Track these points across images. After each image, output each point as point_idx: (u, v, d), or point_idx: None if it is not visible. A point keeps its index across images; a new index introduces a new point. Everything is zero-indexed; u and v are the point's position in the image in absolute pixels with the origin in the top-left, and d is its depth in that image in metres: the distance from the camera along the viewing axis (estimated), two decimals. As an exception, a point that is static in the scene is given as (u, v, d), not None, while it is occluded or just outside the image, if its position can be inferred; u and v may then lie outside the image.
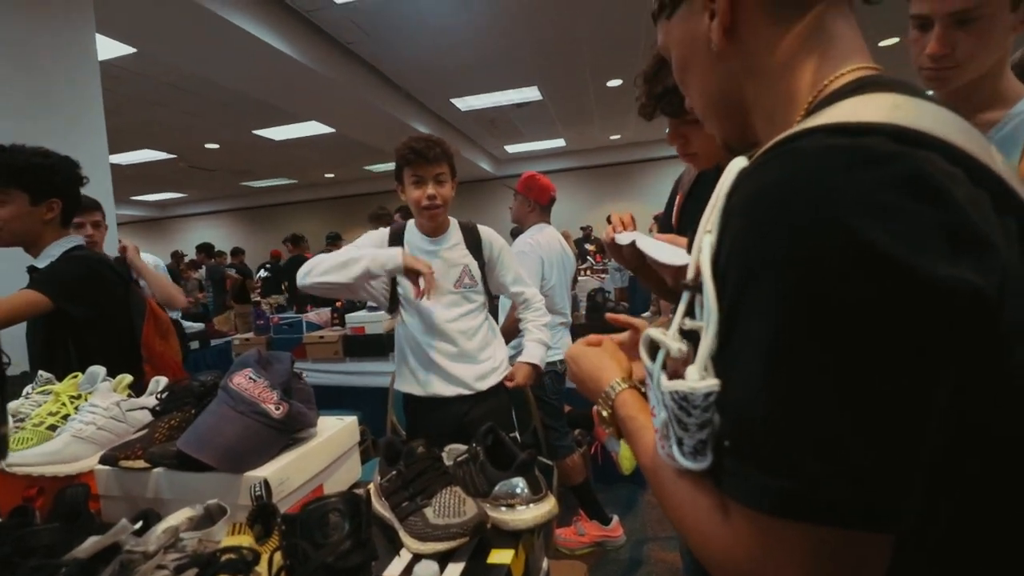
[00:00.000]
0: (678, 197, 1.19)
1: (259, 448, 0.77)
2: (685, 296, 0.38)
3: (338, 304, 3.39)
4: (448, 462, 0.86)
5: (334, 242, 6.22)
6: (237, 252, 7.25)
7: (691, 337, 0.37)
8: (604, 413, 0.54)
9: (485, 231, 1.63)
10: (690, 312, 0.38)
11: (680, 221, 1.16)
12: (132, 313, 1.51)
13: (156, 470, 0.79)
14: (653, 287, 0.97)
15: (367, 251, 1.43)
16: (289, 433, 0.82)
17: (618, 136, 9.13)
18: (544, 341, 1.67)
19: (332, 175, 10.77)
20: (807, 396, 0.30)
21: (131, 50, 3.67)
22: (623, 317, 0.70)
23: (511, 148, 9.61)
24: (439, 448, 0.88)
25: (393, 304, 1.58)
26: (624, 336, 0.68)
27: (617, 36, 4.66)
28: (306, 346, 3.12)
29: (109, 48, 3.62)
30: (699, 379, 0.34)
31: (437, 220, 1.52)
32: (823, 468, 0.29)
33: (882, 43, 5.06)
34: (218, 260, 7.33)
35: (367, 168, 10.09)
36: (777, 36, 0.43)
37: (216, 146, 7.28)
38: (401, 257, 1.37)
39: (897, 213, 0.29)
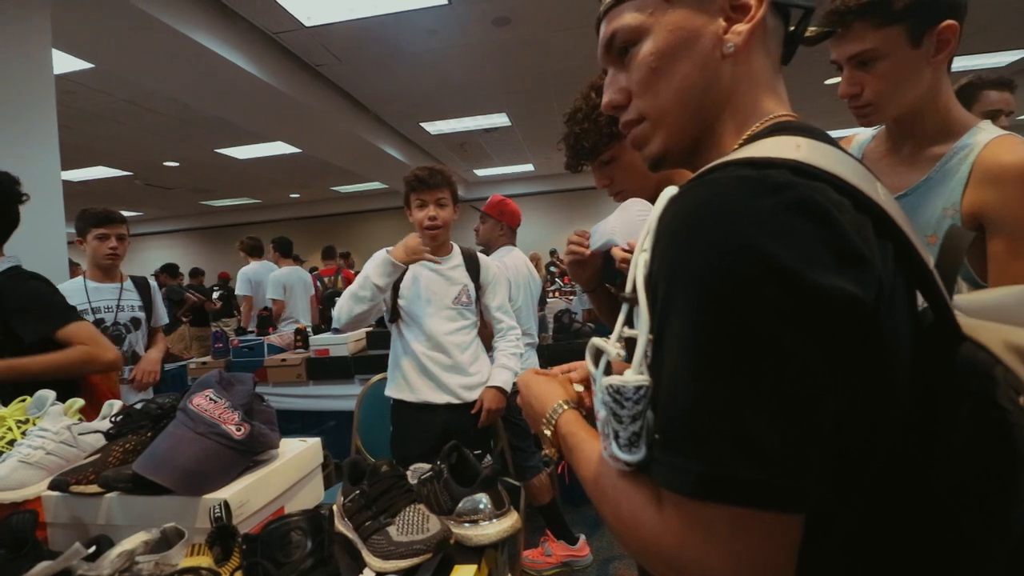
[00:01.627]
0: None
1: (219, 470, 0.76)
2: (624, 308, 0.43)
3: (300, 326, 3.33)
4: (413, 481, 0.87)
5: (301, 261, 6.13)
6: (196, 273, 7.03)
7: (631, 345, 0.41)
8: (547, 432, 0.57)
9: (484, 260, 1.81)
10: (629, 322, 0.43)
11: None
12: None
13: (109, 495, 0.77)
14: (604, 310, 1.01)
15: (367, 270, 1.57)
16: (250, 455, 0.81)
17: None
18: (511, 367, 1.77)
19: (298, 195, 10.62)
20: (720, 388, 0.34)
21: (88, 65, 3.58)
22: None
23: (480, 172, 9.72)
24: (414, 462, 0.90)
25: (394, 315, 1.71)
26: (576, 370, 0.69)
27: (584, 69, 4.83)
28: (267, 369, 3.04)
29: (65, 62, 3.53)
30: (631, 375, 0.39)
31: (438, 240, 1.68)
32: (735, 453, 0.33)
33: (828, 81, 5.41)
34: (176, 281, 7.08)
35: (334, 189, 10.00)
36: (762, 63, 0.49)
37: (176, 164, 7.09)
38: (387, 254, 1.54)
39: (791, 232, 0.34)
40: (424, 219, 1.63)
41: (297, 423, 2.97)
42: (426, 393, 1.65)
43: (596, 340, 0.45)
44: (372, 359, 2.91)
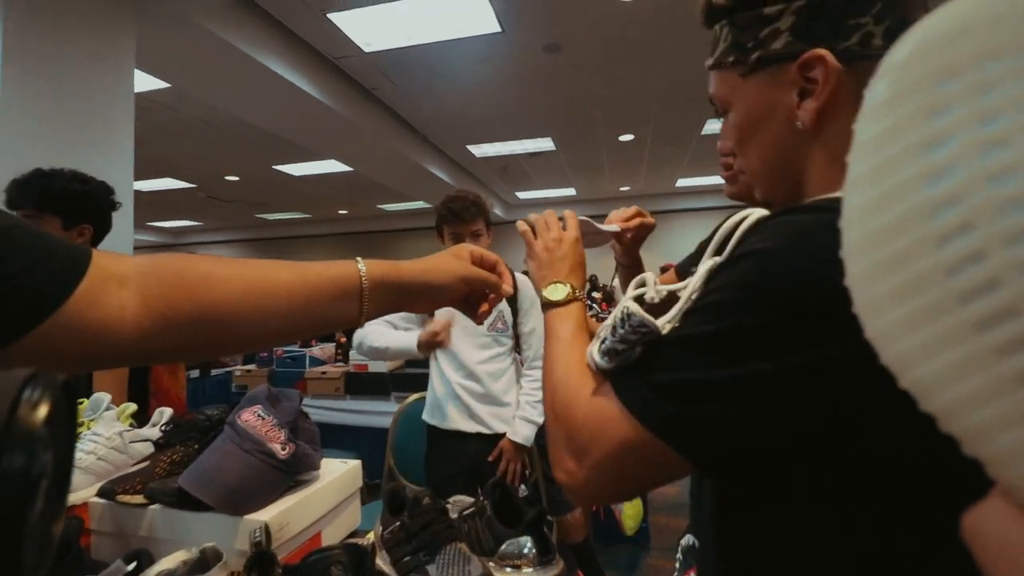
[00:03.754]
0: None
1: (262, 489, 0.75)
2: (689, 278, 0.46)
3: (341, 340, 3.38)
4: (453, 515, 0.83)
5: None
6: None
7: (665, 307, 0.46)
8: (558, 295, 0.62)
9: (523, 281, 1.73)
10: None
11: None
12: None
13: (153, 507, 0.77)
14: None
15: (391, 339, 1.62)
16: (293, 475, 0.80)
17: (627, 188, 9.30)
18: (533, 420, 1.68)
19: (345, 211, 10.97)
20: (699, 359, 0.39)
21: (165, 85, 3.83)
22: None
23: (522, 194, 9.79)
24: (449, 488, 0.87)
25: None
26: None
27: (629, 94, 4.83)
28: (308, 381, 3.09)
29: (144, 81, 3.78)
30: (653, 316, 0.43)
31: None
32: (682, 398, 0.39)
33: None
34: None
35: (380, 207, 10.28)
36: (848, 126, 0.46)
37: (236, 178, 7.46)
38: (416, 346, 1.57)
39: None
40: None
41: (334, 436, 2.99)
42: (457, 421, 1.63)
43: (647, 275, 0.49)
44: (410, 377, 2.92)
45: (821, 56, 0.44)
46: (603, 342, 0.45)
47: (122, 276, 0.40)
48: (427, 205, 9.48)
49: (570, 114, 5.34)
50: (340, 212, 11.01)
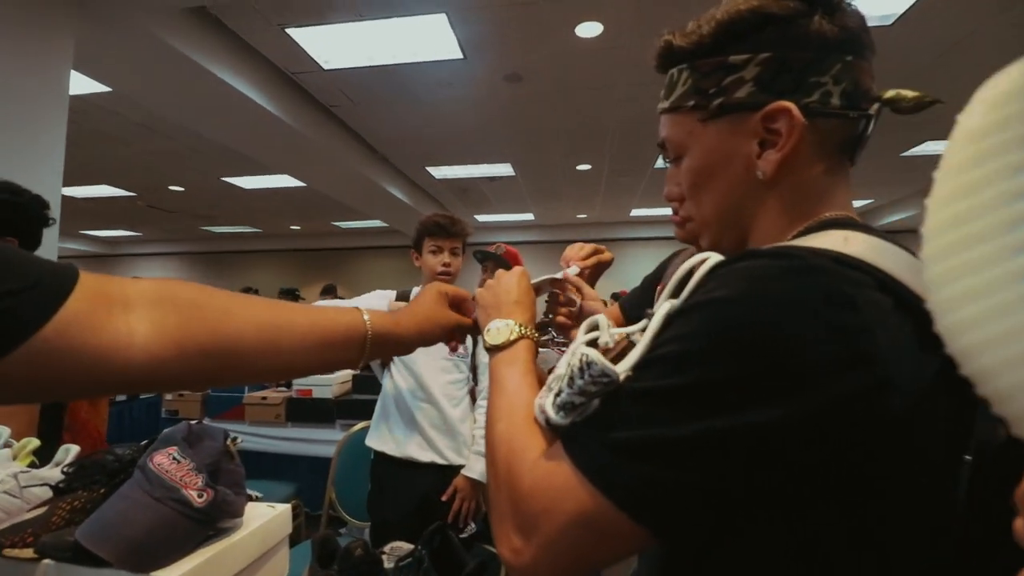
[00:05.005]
0: (660, 286, 1.21)
1: (172, 542, 0.68)
2: (643, 321, 0.44)
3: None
4: (389, 565, 0.79)
5: (286, 295, 6.08)
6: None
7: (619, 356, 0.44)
8: (501, 338, 0.57)
9: None
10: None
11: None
12: None
13: (46, 562, 0.68)
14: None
15: None
16: (211, 524, 0.73)
17: (585, 215, 9.51)
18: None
19: (298, 227, 10.66)
20: (654, 407, 0.38)
21: (105, 88, 3.63)
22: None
23: (481, 218, 9.83)
24: (396, 529, 0.82)
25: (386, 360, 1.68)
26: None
27: (586, 126, 4.97)
28: (245, 407, 2.92)
29: (83, 84, 3.57)
30: (613, 364, 0.40)
31: None
32: (639, 463, 0.37)
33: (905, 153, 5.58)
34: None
35: (335, 223, 10.06)
36: (808, 176, 0.47)
37: (181, 189, 7.12)
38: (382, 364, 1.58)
39: (805, 314, 0.35)
40: (438, 265, 1.63)
41: (271, 465, 2.83)
42: (411, 448, 1.57)
43: (599, 317, 0.46)
44: (356, 404, 2.81)
45: (787, 108, 0.45)
46: (558, 395, 0.42)
47: (126, 300, 0.39)
48: (383, 224, 9.36)
49: (529, 142, 5.43)
50: (292, 227, 10.70)
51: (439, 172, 6.66)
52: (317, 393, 2.86)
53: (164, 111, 3.99)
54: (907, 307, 0.36)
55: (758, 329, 0.35)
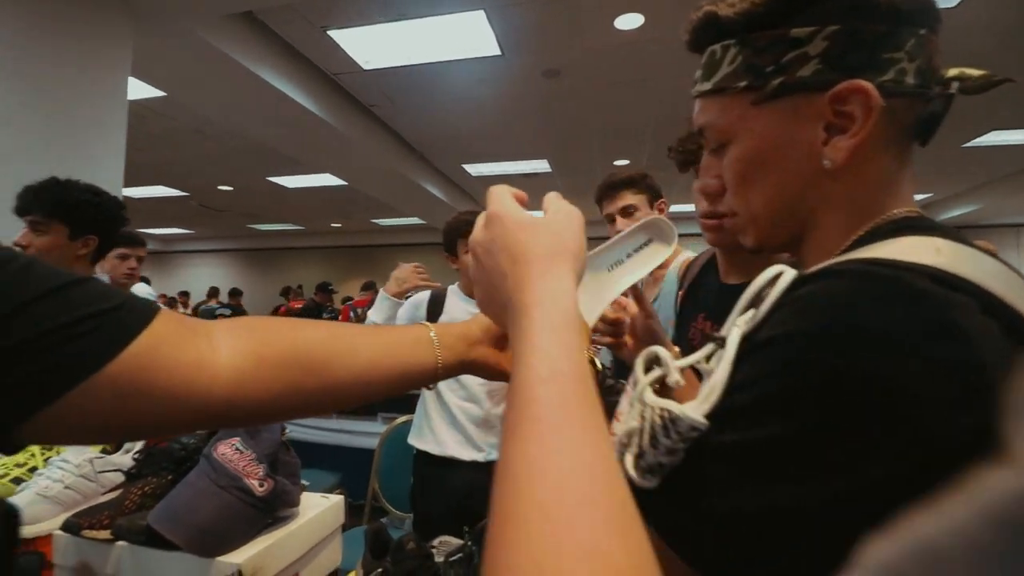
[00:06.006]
0: (680, 292, 1.18)
1: (236, 529, 0.71)
2: (708, 346, 0.38)
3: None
4: (439, 558, 0.80)
5: (319, 292, 6.27)
6: (235, 293, 7.22)
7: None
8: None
9: None
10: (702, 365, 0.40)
11: (681, 312, 1.14)
12: None
13: (121, 543, 0.73)
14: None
15: (372, 315, 1.62)
16: (270, 513, 0.76)
17: (621, 211, 9.41)
18: None
19: (339, 225, 10.94)
20: (740, 474, 0.32)
21: (160, 93, 3.82)
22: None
23: (516, 214, 9.85)
24: (438, 523, 0.83)
25: None
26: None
27: (626, 121, 4.89)
28: (292, 398, 3.02)
29: (139, 89, 3.76)
30: (696, 412, 0.34)
31: None
32: (759, 535, 0.31)
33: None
34: (216, 301, 7.33)
35: (374, 221, 10.26)
36: (878, 165, 0.43)
37: (229, 188, 7.42)
38: (382, 290, 1.59)
39: (921, 360, 0.29)
40: None
41: (316, 455, 2.91)
42: (452, 447, 1.57)
43: (659, 350, 0.40)
44: (398, 398, 2.86)
45: (863, 88, 0.39)
46: (640, 456, 0.36)
47: (204, 328, 0.40)
48: (421, 221, 9.49)
49: (566, 138, 5.39)
50: (333, 225, 10.98)
51: (475, 169, 6.69)
52: (359, 387, 2.93)
53: (213, 114, 4.16)
54: (1014, 331, 0.31)
55: (857, 372, 0.30)
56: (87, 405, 0.32)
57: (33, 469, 0.85)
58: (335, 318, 6.21)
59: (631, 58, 3.64)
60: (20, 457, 0.86)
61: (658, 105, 4.44)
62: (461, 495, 1.53)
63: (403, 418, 2.16)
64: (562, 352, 0.31)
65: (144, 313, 0.37)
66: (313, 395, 0.43)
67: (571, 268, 0.38)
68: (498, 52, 3.56)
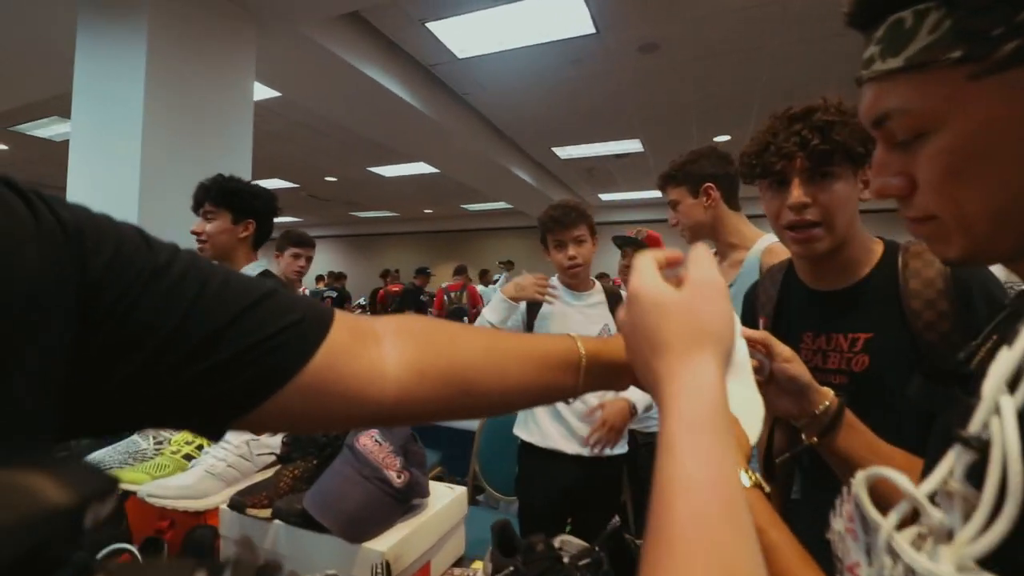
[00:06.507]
0: (761, 320, 0.99)
1: (379, 518, 0.75)
2: (958, 450, 0.29)
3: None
4: (564, 558, 0.79)
5: (419, 276, 6.58)
6: (339, 276, 7.77)
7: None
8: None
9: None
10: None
11: (777, 323, 0.98)
12: None
13: (277, 522, 0.80)
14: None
15: (484, 310, 1.62)
16: (406, 503, 0.80)
17: (718, 191, 8.85)
18: (646, 400, 1.57)
19: (431, 211, 11.35)
20: None
21: (276, 94, 4.13)
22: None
23: (605, 196, 9.61)
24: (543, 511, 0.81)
25: None
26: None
27: (729, 94, 4.55)
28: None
29: (258, 91, 4.10)
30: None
31: (579, 277, 1.65)
32: None
33: None
34: (324, 283, 7.96)
35: (464, 206, 10.52)
36: None
37: (334, 179, 7.94)
38: (500, 292, 1.57)
39: None
40: (565, 260, 1.58)
41: (420, 432, 3.06)
42: (556, 440, 1.56)
43: (886, 472, 0.32)
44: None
45: None
46: None
47: (375, 334, 0.42)
48: (508, 206, 9.58)
49: (662, 115, 5.13)
50: (425, 211, 11.41)
51: (564, 152, 6.60)
52: (458, 371, 3.03)
53: (322, 109, 4.43)
54: None
55: None
56: (280, 409, 0.36)
57: (200, 447, 0.96)
58: (431, 300, 6.51)
59: (735, 26, 3.36)
60: (189, 435, 0.98)
61: (764, 74, 4.08)
62: (565, 488, 1.53)
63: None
64: (699, 458, 0.29)
65: (322, 324, 0.39)
66: (463, 410, 0.47)
67: (713, 355, 0.34)
68: (592, 30, 3.44)
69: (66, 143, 2.47)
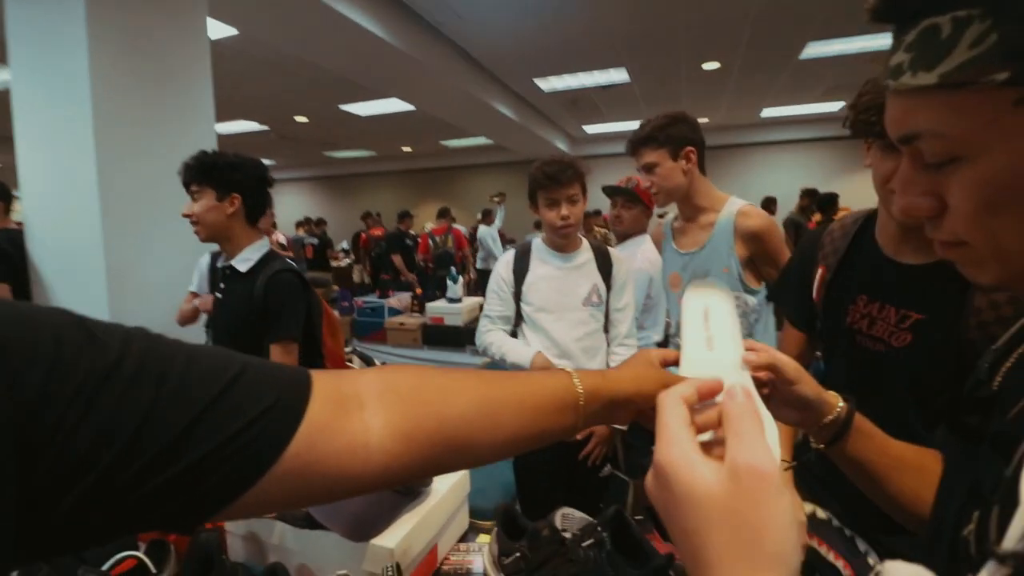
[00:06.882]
0: (820, 269, 1.00)
1: (385, 515, 0.75)
2: (991, 568, 0.27)
3: (417, 291, 3.45)
4: (566, 534, 0.82)
5: (403, 220, 6.44)
6: (319, 223, 7.58)
7: None
8: None
9: (616, 256, 1.66)
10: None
11: (828, 295, 0.98)
12: (314, 319, 1.59)
13: (281, 523, 0.80)
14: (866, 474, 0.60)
15: (508, 349, 1.58)
16: (412, 497, 0.80)
17: (706, 119, 8.59)
18: None
19: (409, 149, 10.94)
20: None
21: (233, 31, 3.80)
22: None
23: (589, 128, 9.31)
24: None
25: (517, 319, 1.65)
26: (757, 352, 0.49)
27: (719, 19, 4.30)
28: (387, 331, 3.20)
29: (214, 29, 3.77)
30: None
31: (570, 238, 1.60)
32: None
33: None
34: (304, 230, 7.75)
35: (443, 143, 10.15)
36: None
37: (305, 119, 7.54)
38: (529, 365, 1.52)
39: None
40: (557, 220, 1.52)
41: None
42: None
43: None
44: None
45: None
46: None
47: (359, 397, 0.39)
48: (489, 141, 9.26)
49: (649, 42, 4.87)
50: (404, 149, 11.00)
51: (547, 84, 6.29)
52: (449, 321, 3.04)
53: (285, 47, 4.12)
54: None
55: None
56: (256, 499, 0.33)
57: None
58: (416, 243, 6.41)
59: (733, -58, 3.12)
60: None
61: (760, -3, 3.85)
62: (557, 444, 1.57)
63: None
64: None
65: (299, 402, 0.36)
66: (453, 466, 0.45)
67: None
68: (577, -50, 3.17)
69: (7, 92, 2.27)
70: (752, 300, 1.53)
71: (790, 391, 0.51)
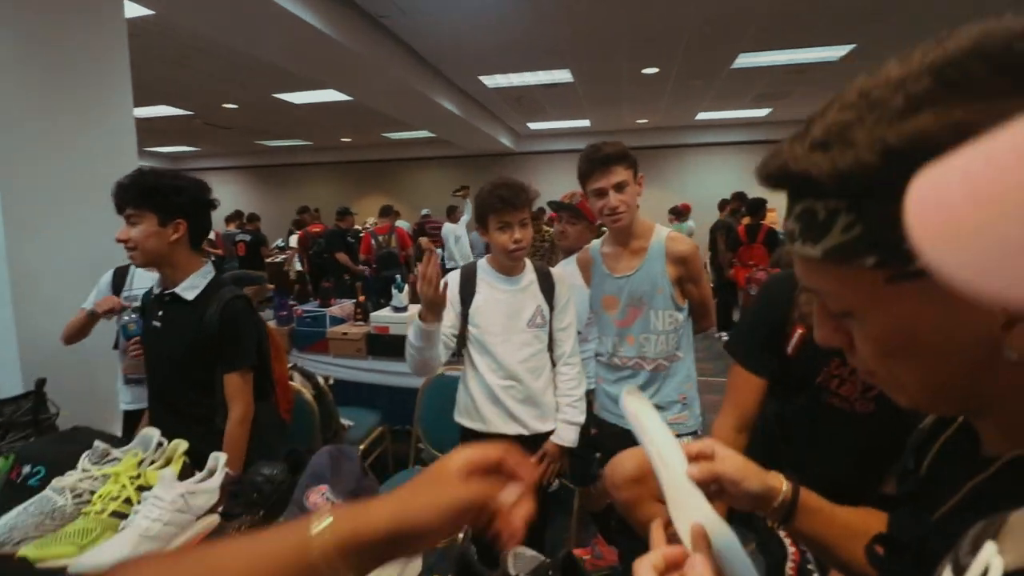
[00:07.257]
0: (799, 329, 1.00)
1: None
2: None
3: (360, 298, 3.35)
4: (514, 573, 0.84)
5: (343, 218, 6.15)
6: (252, 219, 7.17)
7: None
8: None
9: (558, 276, 1.68)
10: None
11: (802, 352, 0.99)
12: (263, 343, 1.53)
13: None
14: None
15: (409, 335, 1.51)
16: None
17: (645, 120, 8.87)
18: (575, 421, 1.65)
19: (349, 139, 10.56)
20: None
21: (149, 12, 3.52)
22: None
23: (534, 125, 9.36)
24: None
25: (462, 340, 1.63)
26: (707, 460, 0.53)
27: (659, 27, 4.44)
28: (329, 341, 3.10)
29: (128, 9, 3.46)
30: None
31: (520, 261, 1.61)
32: None
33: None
34: (236, 225, 7.29)
35: (385, 135, 9.88)
36: None
37: (234, 106, 7.10)
38: (419, 318, 1.45)
39: None
40: (509, 243, 1.51)
41: (356, 393, 3.04)
42: (497, 424, 1.59)
43: None
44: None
45: None
46: None
47: None
48: (432, 135, 9.11)
49: (592, 46, 4.95)
50: (343, 140, 10.61)
51: (492, 81, 6.26)
52: (394, 330, 2.98)
53: (206, 31, 3.85)
54: None
55: None
56: None
57: (128, 500, 0.89)
58: (358, 240, 6.17)
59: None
60: (112, 488, 0.89)
61: (696, 8, 4.00)
62: None
63: (441, 370, 2.21)
64: None
65: None
66: None
67: None
68: (522, -46, 3.16)
69: None
70: (680, 316, 1.64)
71: (737, 490, 0.55)
